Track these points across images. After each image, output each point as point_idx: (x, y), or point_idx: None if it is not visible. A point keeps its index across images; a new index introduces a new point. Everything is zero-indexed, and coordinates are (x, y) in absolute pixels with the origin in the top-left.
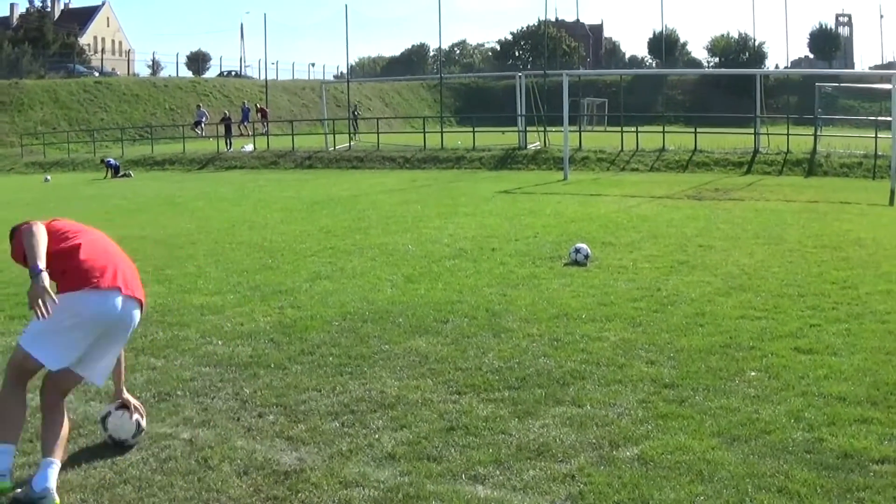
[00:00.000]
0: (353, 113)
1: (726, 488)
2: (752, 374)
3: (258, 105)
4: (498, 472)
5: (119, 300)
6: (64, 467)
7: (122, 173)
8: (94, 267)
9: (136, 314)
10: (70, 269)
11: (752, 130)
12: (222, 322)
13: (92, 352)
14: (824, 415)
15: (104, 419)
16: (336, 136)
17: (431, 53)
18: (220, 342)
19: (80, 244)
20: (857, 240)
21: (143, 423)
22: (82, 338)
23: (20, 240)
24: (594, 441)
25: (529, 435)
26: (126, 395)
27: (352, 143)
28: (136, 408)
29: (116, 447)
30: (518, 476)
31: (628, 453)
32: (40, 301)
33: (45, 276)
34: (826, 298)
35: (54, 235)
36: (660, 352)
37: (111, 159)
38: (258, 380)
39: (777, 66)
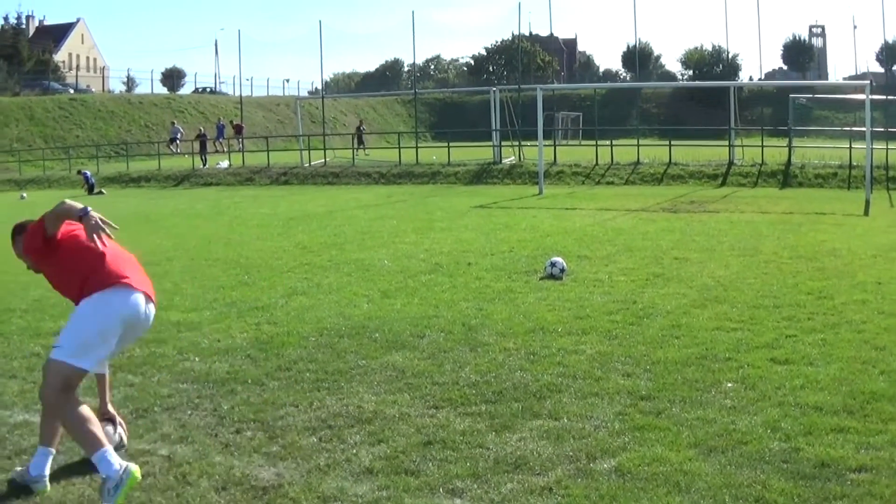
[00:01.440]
0: (359, 129)
1: (703, 499)
2: (729, 385)
3: (233, 121)
4: (476, 486)
5: (143, 300)
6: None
7: (96, 191)
8: (119, 266)
9: (153, 316)
10: (98, 268)
11: (726, 142)
12: (199, 338)
13: (108, 350)
14: (801, 425)
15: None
16: (311, 151)
17: (406, 69)
18: (197, 359)
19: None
20: (833, 250)
21: (125, 438)
22: (112, 337)
23: (41, 225)
24: (571, 454)
25: (507, 448)
26: (111, 409)
27: (355, 159)
28: (119, 423)
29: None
30: (496, 489)
31: (605, 465)
32: (100, 232)
33: (92, 210)
34: (802, 309)
35: (71, 235)
36: (636, 364)
37: (87, 172)
38: (235, 396)
39: (751, 78)
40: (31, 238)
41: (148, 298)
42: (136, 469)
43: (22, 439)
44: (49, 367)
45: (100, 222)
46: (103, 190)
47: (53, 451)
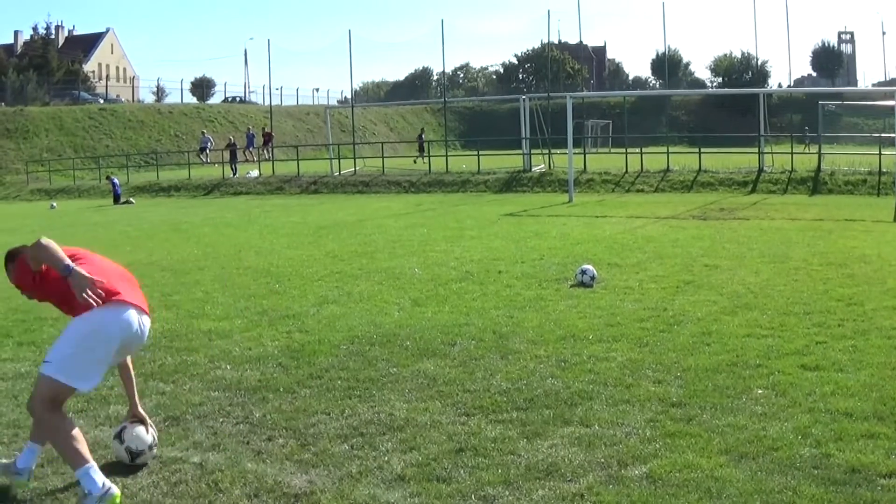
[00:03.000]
0: (420, 136)
1: None
2: (759, 391)
3: (265, 128)
4: (507, 493)
5: (136, 314)
6: (74, 491)
7: (123, 200)
8: (111, 283)
9: (148, 330)
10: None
11: (756, 150)
12: (231, 347)
13: (100, 368)
14: (831, 431)
15: (120, 433)
16: (341, 160)
17: (435, 77)
18: (228, 367)
19: (91, 262)
20: (863, 256)
21: (156, 440)
22: (106, 355)
23: (26, 259)
24: (602, 460)
25: (538, 455)
26: (140, 410)
27: (419, 161)
28: (150, 424)
29: (132, 462)
30: (527, 496)
31: (636, 472)
32: (88, 289)
33: (79, 268)
34: (832, 315)
35: (67, 255)
36: (667, 371)
37: (116, 180)
38: (267, 404)
39: (780, 85)
40: (20, 276)
41: (141, 311)
42: (118, 493)
43: (54, 448)
44: (39, 381)
45: (84, 279)
46: (132, 199)
47: (40, 447)
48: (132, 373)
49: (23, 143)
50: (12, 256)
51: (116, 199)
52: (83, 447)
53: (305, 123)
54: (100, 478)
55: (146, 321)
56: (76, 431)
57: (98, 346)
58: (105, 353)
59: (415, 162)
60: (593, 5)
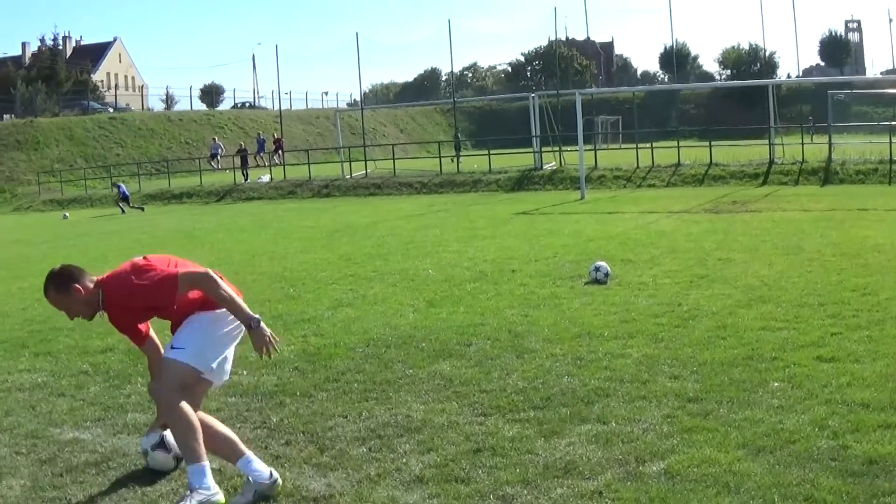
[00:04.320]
0: (456, 136)
1: (753, 499)
2: (776, 384)
3: (275, 135)
4: (526, 492)
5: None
6: (93, 501)
7: (133, 205)
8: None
9: None
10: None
11: (766, 141)
12: (247, 352)
13: (226, 361)
14: (848, 422)
15: (162, 442)
16: (352, 163)
17: (444, 77)
18: (245, 372)
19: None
20: (876, 246)
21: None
22: (226, 346)
23: (172, 282)
24: (620, 457)
25: (556, 454)
26: None
27: (459, 166)
28: None
29: (160, 470)
30: (546, 495)
31: (655, 468)
32: (270, 345)
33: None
34: (846, 306)
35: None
36: (683, 366)
37: (123, 186)
38: (284, 408)
39: (789, 76)
40: (152, 293)
41: None
42: (222, 500)
43: (73, 456)
44: (166, 366)
45: (270, 338)
46: (143, 207)
47: (201, 463)
48: None
49: (34, 155)
50: (70, 277)
51: (126, 200)
52: (201, 446)
53: (315, 127)
54: (210, 482)
55: None
56: (202, 426)
57: (222, 338)
58: (225, 344)
59: (452, 161)
60: (599, 1)
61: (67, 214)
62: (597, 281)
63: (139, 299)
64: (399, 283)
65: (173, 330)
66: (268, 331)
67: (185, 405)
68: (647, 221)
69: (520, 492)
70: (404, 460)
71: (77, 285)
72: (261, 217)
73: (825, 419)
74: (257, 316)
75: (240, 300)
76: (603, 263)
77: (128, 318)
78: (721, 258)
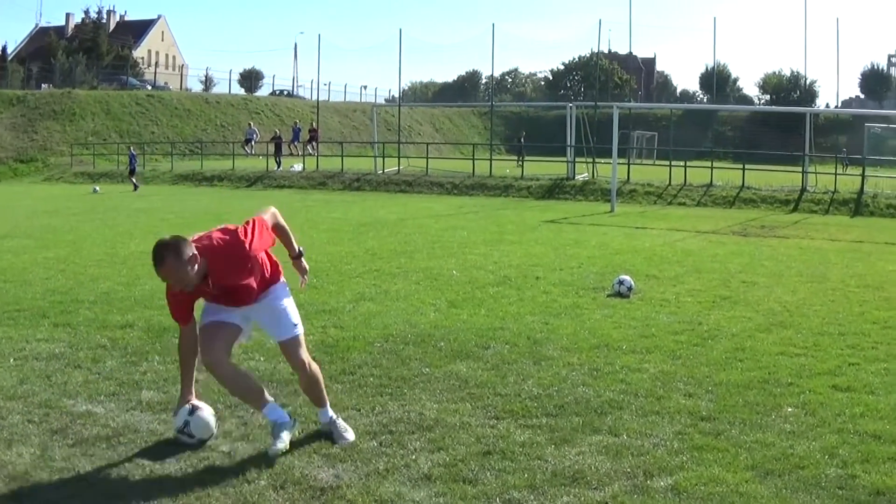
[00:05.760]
0: (520, 140)
1: None
2: (789, 409)
3: (312, 123)
4: (532, 497)
5: None
6: (101, 474)
7: (134, 180)
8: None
9: None
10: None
11: (800, 169)
12: (265, 339)
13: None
14: (859, 452)
15: (185, 428)
16: (385, 159)
17: (483, 81)
18: (262, 358)
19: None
20: None
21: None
22: None
23: (266, 231)
24: (629, 470)
25: (565, 462)
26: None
27: (522, 169)
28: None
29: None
30: (552, 502)
31: (662, 483)
32: (307, 273)
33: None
34: (866, 338)
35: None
36: (698, 385)
37: (135, 155)
38: (298, 397)
39: (827, 105)
40: (261, 238)
41: None
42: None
43: (84, 429)
44: (300, 341)
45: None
46: (137, 186)
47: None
48: (196, 362)
49: (69, 126)
50: (179, 247)
51: (132, 173)
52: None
53: (351, 120)
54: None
55: None
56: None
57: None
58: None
59: (517, 165)
60: (645, 17)
61: (98, 188)
62: (619, 294)
63: (255, 248)
64: (422, 281)
65: (219, 301)
66: (306, 263)
67: (315, 364)
68: (674, 239)
69: (526, 497)
70: (413, 457)
71: (194, 254)
72: (290, 206)
73: (836, 447)
74: (301, 249)
75: (290, 231)
76: (627, 277)
77: (228, 280)
78: (745, 281)
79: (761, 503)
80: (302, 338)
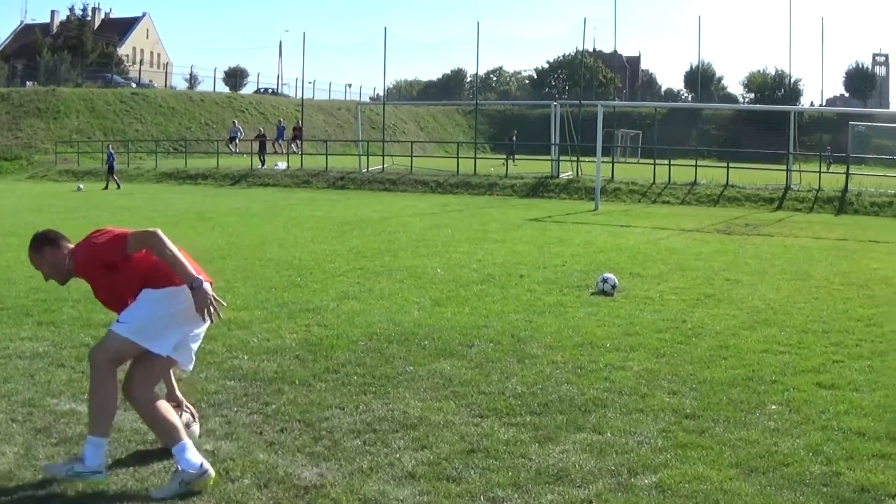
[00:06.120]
0: (511, 138)
1: None
2: (773, 407)
3: (297, 122)
4: (516, 496)
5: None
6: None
7: (115, 178)
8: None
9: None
10: (162, 266)
11: (784, 167)
12: (249, 337)
13: (186, 339)
14: (843, 449)
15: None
16: (370, 157)
17: (468, 79)
18: (245, 357)
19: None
20: (885, 278)
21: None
22: (180, 325)
23: (126, 238)
24: (613, 468)
25: (549, 460)
26: (178, 395)
27: (506, 168)
28: (187, 406)
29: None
30: (536, 500)
31: (646, 481)
32: (211, 308)
33: (208, 285)
34: (850, 335)
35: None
36: (682, 383)
37: (113, 154)
38: (282, 395)
39: (812, 104)
40: (106, 250)
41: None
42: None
43: (68, 427)
44: (108, 336)
45: (212, 299)
46: (119, 185)
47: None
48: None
49: (53, 124)
50: (47, 240)
51: (111, 171)
52: (110, 419)
53: (336, 118)
54: (101, 457)
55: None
56: (114, 402)
57: (174, 315)
58: (179, 323)
59: (503, 164)
60: (630, 15)
61: (81, 186)
62: (604, 292)
63: (96, 255)
64: (406, 279)
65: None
66: (210, 293)
67: (111, 381)
68: (658, 237)
69: (510, 495)
70: (397, 455)
71: (48, 247)
72: (274, 204)
73: (820, 445)
74: (200, 277)
75: (185, 261)
76: (611, 275)
77: (94, 280)
78: (729, 279)
79: (746, 501)
80: (116, 339)
